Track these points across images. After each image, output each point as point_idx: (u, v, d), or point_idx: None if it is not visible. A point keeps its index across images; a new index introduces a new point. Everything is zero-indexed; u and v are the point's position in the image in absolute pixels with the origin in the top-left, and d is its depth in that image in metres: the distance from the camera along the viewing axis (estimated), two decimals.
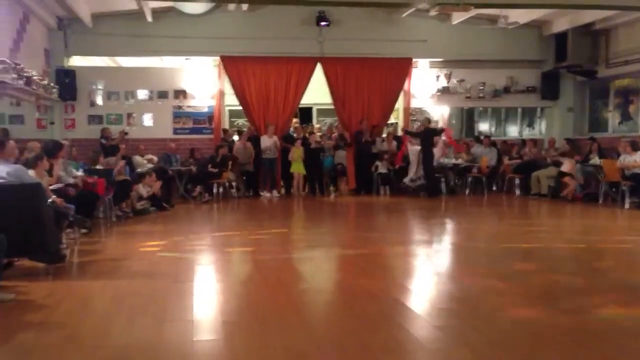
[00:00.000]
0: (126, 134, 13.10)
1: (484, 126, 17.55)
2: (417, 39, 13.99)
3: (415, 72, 14.54)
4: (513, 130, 16.87)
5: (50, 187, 6.56)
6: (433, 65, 14.97)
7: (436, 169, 13.24)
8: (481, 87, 14.80)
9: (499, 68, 14.90)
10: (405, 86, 14.42)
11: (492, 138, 14.76)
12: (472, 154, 14.10)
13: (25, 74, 10.01)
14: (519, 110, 16.39)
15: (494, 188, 14.21)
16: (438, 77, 14.78)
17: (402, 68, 14.24)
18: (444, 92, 14.78)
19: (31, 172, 6.09)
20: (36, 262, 5.73)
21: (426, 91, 14.71)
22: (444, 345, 3.76)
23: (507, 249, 7.22)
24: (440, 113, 15.95)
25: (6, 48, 9.93)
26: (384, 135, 14.30)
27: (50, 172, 7.02)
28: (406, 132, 13.72)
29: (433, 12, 11.01)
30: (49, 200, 6.02)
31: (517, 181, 13.57)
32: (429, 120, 13.87)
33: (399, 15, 13.76)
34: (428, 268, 6.29)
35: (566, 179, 12.22)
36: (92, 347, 3.64)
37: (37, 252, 5.51)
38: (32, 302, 4.66)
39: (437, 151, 13.26)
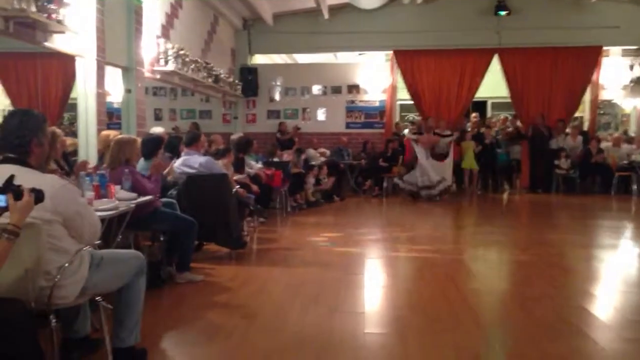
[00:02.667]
0: (299, 129, 13.66)
1: None
2: (608, 25, 12.76)
3: (605, 62, 13.32)
4: None
5: (235, 179, 7.04)
6: (626, 53, 13.61)
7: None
8: None
9: None
10: (594, 77, 13.26)
11: None
12: None
13: (214, 73, 10.88)
14: None
15: None
16: (632, 66, 13.40)
17: (590, 57, 13.11)
18: (639, 82, 13.35)
19: (219, 164, 6.58)
20: (221, 247, 6.17)
21: (617, 82, 13.42)
22: None
23: None
24: (632, 105, 14.46)
25: (199, 49, 10.86)
26: (567, 131, 13.27)
27: (242, 165, 7.59)
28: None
29: None
30: (233, 190, 6.45)
31: None
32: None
33: (589, 0, 12.68)
34: (616, 274, 5.71)
35: None
36: (272, 331, 3.83)
37: (223, 238, 5.95)
38: (218, 284, 5.03)
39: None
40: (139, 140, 5.17)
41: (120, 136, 5.21)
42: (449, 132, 11.98)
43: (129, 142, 4.89)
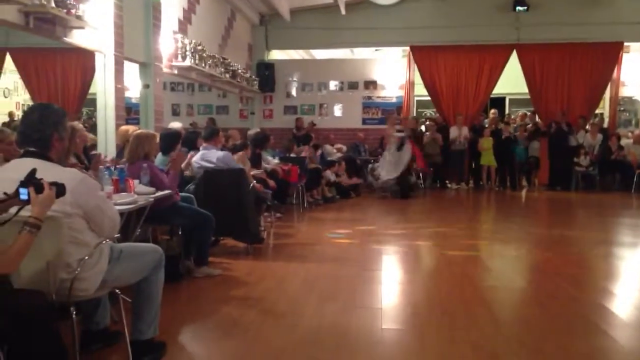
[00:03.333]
0: (314, 125, 13.65)
1: None
2: (629, 20, 12.56)
3: (625, 58, 13.13)
4: None
5: (252, 174, 7.05)
6: None
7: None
8: None
9: None
10: (614, 74, 13.08)
11: None
12: None
13: (231, 68, 10.90)
14: None
15: None
16: None
17: (610, 53, 12.94)
18: None
19: (235, 158, 6.59)
20: (238, 242, 6.19)
21: (638, 79, 13.23)
22: None
23: None
24: None
25: (216, 44, 10.89)
26: (587, 128, 13.09)
27: (259, 161, 7.61)
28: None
29: None
30: (250, 185, 6.47)
31: None
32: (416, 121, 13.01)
33: None
34: (635, 273, 5.65)
35: None
36: (288, 326, 3.83)
37: (240, 233, 5.96)
38: (236, 279, 5.06)
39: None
40: (158, 135, 5.20)
41: (139, 131, 5.24)
42: (402, 132, 11.58)
43: (148, 137, 4.92)
